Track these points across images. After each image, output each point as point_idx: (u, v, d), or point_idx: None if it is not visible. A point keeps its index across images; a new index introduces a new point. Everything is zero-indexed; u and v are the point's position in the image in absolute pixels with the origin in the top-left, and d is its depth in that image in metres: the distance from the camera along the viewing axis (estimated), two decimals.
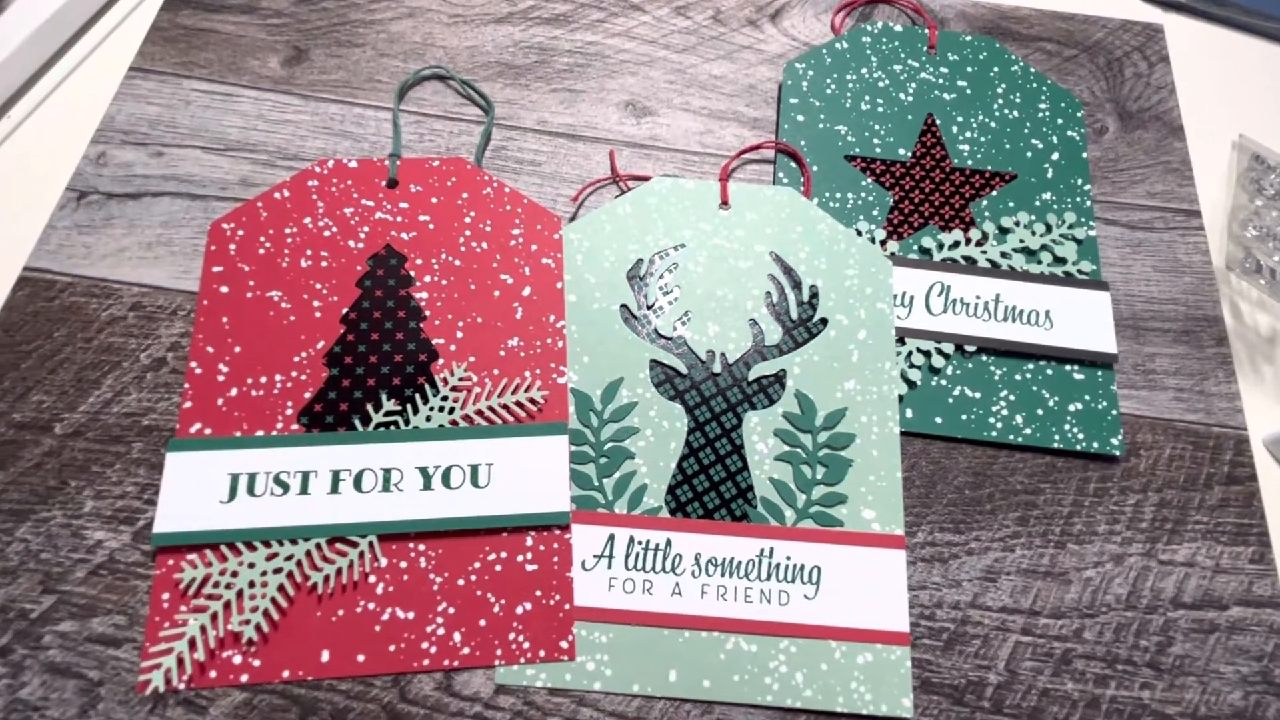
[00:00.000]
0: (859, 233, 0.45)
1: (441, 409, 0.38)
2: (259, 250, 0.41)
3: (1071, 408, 0.41)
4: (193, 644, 0.34)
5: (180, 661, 0.33)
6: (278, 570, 0.35)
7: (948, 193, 0.46)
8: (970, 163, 0.47)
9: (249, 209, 0.42)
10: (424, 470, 0.37)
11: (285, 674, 0.34)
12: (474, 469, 0.37)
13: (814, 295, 0.42)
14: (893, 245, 0.45)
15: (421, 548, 0.36)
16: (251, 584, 0.35)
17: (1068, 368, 0.42)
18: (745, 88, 0.49)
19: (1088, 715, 0.35)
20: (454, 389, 0.39)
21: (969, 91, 0.49)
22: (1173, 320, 0.44)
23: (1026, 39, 0.52)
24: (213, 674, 0.34)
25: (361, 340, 0.40)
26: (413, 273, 0.41)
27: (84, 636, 0.34)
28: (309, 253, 0.41)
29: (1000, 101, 0.49)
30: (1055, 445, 0.41)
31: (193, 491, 0.36)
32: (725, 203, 0.44)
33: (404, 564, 0.36)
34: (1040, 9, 0.53)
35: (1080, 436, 0.41)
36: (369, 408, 0.38)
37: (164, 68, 0.47)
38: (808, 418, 0.40)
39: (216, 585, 0.35)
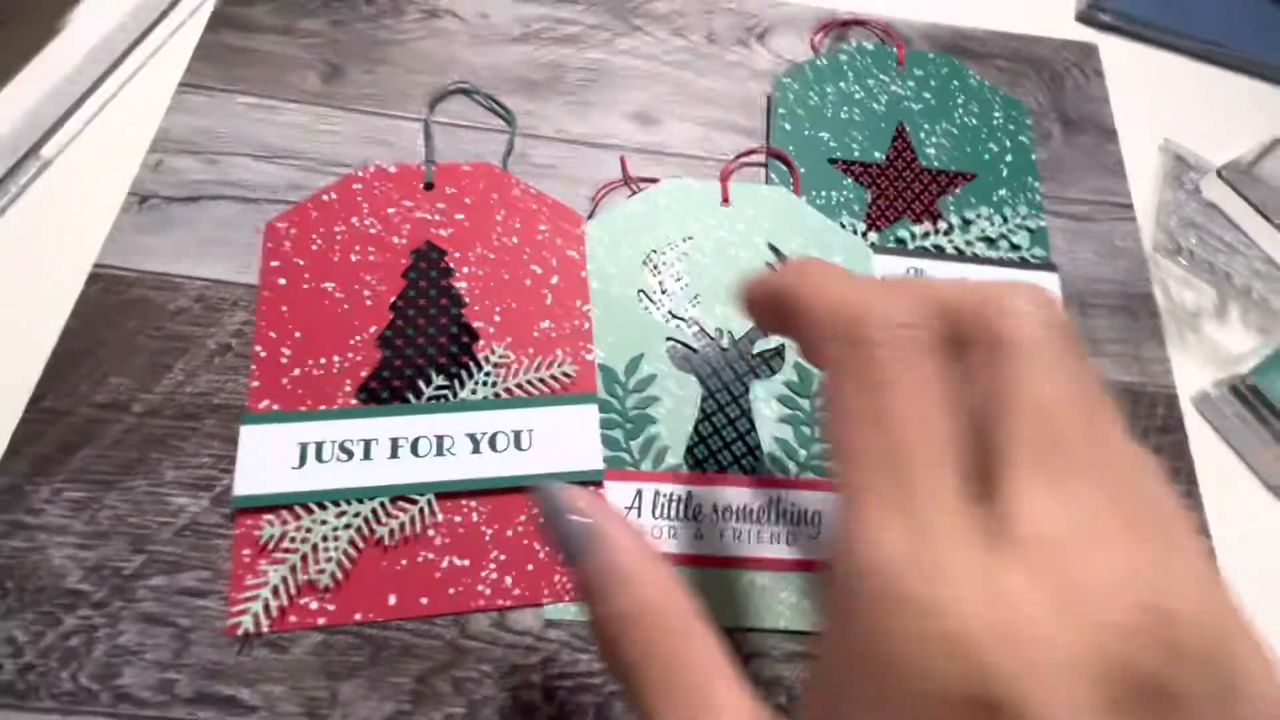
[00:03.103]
0: (843, 225, 0.51)
1: (485, 383, 0.43)
2: (311, 246, 0.46)
3: None
4: (275, 592, 0.38)
5: (266, 607, 0.38)
6: (347, 526, 0.39)
7: (918, 190, 0.53)
8: (936, 164, 0.54)
9: (300, 210, 0.47)
10: (473, 436, 0.42)
11: (357, 616, 0.38)
12: (516, 434, 0.42)
13: None
14: (873, 236, 0.51)
15: (473, 504, 0.41)
16: (324, 539, 0.39)
17: None
18: (739, 100, 0.55)
19: None
20: (495, 366, 0.44)
21: (933, 102, 0.56)
22: (1111, 297, 0.51)
23: (981, 56, 0.59)
24: (293, 618, 0.38)
25: (409, 324, 0.44)
26: (452, 265, 0.46)
27: (173, 589, 0.38)
28: (357, 248, 0.46)
29: (960, 110, 0.56)
30: None
31: (266, 459, 0.40)
32: (726, 200, 0.50)
33: (458, 518, 0.41)
34: (992, 30, 0.61)
35: None
36: (420, 384, 0.43)
37: (211, 83, 0.51)
38: (805, 385, 0.45)
39: (293, 540, 0.39)
